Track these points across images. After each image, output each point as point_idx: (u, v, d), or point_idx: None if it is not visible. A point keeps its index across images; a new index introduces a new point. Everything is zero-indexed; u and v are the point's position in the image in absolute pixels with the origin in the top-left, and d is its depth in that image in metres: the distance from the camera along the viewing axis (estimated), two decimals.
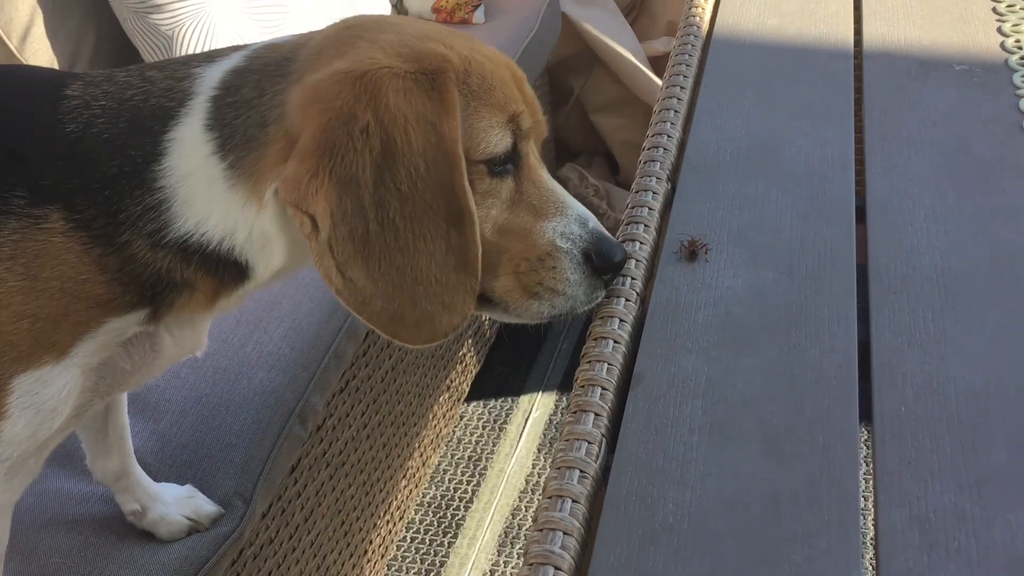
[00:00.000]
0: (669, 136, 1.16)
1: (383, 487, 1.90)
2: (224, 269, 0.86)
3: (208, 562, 1.25)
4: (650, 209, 1.06)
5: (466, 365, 2.25)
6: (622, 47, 2.48)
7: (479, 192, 0.86)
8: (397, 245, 0.80)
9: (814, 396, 0.83)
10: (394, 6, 2.28)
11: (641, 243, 1.02)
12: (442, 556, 2.02)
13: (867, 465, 0.79)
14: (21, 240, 0.81)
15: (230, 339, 1.48)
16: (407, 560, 2.02)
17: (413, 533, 2.07)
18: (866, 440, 0.82)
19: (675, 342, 0.90)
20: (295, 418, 1.45)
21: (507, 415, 2.32)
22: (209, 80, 0.87)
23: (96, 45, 1.92)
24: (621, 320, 0.92)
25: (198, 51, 1.80)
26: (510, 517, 2.08)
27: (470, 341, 2.25)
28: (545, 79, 2.62)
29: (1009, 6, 1.37)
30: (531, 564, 0.71)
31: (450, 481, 2.17)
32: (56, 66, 1.84)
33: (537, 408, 2.32)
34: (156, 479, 1.28)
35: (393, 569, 2.00)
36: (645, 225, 1.04)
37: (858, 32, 1.35)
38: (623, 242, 1.01)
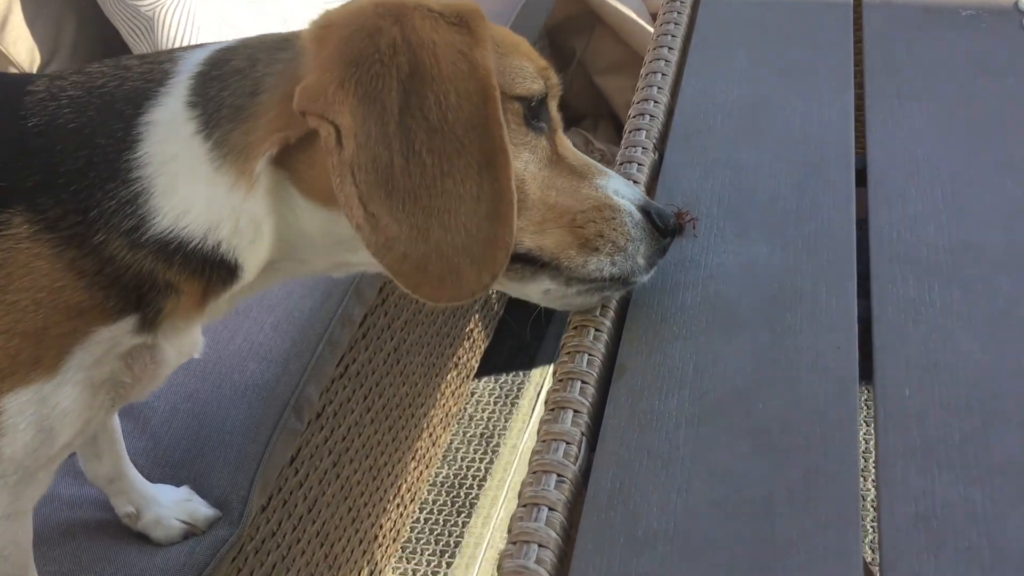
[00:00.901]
0: (656, 102, 1.09)
1: (391, 470, 1.86)
2: (210, 269, 0.79)
3: (207, 567, 1.22)
4: (635, 182, 0.99)
5: (474, 340, 2.20)
6: (623, 5, 2.41)
7: (517, 143, 0.80)
8: (423, 183, 0.72)
9: (810, 382, 0.77)
10: None
11: None
12: (456, 536, 1.99)
13: (865, 461, 0.73)
14: None
15: (219, 331, 1.43)
16: (421, 541, 1.98)
17: (426, 514, 2.03)
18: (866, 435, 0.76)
19: (660, 328, 0.84)
20: (290, 411, 1.40)
21: (519, 390, 2.27)
22: (194, 59, 0.81)
23: (77, 29, 1.88)
24: (603, 306, 0.86)
25: (181, 32, 1.75)
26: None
27: (477, 316, 2.20)
28: (545, 42, 2.55)
29: None
30: None
31: (462, 459, 2.14)
32: (37, 52, 1.80)
33: (549, 381, 2.27)
34: (148, 479, 1.25)
35: (407, 551, 1.97)
36: None
37: None
38: None
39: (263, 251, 0.80)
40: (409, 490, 1.97)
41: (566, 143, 0.86)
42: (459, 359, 2.13)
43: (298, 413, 1.42)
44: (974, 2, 1.17)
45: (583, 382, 0.80)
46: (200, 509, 1.25)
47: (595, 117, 2.68)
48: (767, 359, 0.79)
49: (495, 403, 2.25)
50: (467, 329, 2.15)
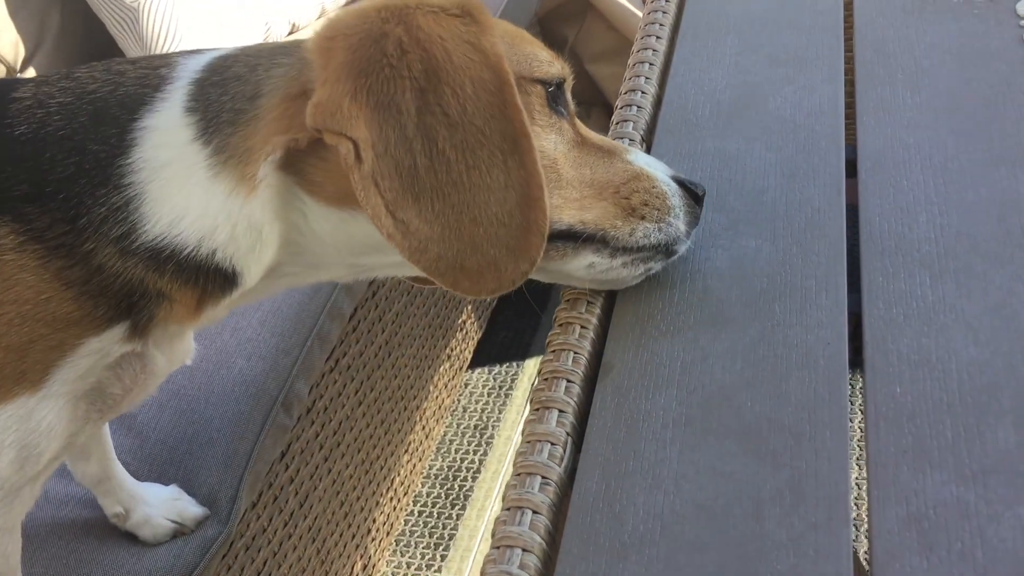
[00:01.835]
0: (644, 92, 1.07)
1: (384, 464, 1.85)
2: (205, 277, 0.77)
3: (196, 567, 1.21)
4: None
5: (467, 332, 2.19)
6: None
7: (544, 124, 0.80)
8: (450, 180, 0.71)
9: (799, 379, 0.75)
10: None
11: None
12: (451, 528, 1.98)
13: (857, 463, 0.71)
14: None
15: (206, 328, 1.42)
16: (415, 534, 1.97)
17: (420, 507, 2.02)
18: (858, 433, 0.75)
19: (647, 324, 0.82)
20: (279, 407, 1.39)
21: (512, 381, 2.26)
22: (192, 65, 0.79)
23: (61, 21, 1.86)
24: (589, 302, 0.85)
25: (166, 24, 1.73)
26: None
27: (470, 307, 2.19)
28: (536, 30, 2.53)
29: None
30: None
31: (456, 451, 2.12)
32: (22, 45, 1.78)
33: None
34: (136, 478, 1.24)
35: (401, 544, 1.96)
36: None
37: None
38: None
39: (265, 257, 0.78)
40: (402, 483, 1.96)
41: (584, 127, 0.86)
42: (452, 351, 2.12)
43: (287, 409, 1.41)
44: None
45: (568, 380, 0.78)
46: (189, 508, 1.24)
47: (587, 105, 2.66)
48: (756, 356, 0.78)
49: (489, 394, 2.24)
50: (460, 320, 2.14)
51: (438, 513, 2.02)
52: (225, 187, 0.74)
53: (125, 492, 1.20)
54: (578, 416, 0.77)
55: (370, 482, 1.80)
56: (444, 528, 1.98)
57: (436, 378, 2.05)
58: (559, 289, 0.88)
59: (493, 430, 2.16)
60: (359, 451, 1.74)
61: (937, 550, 0.64)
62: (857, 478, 1.38)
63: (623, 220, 0.82)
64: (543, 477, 0.71)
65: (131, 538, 1.23)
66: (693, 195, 0.86)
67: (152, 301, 0.77)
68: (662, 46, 1.15)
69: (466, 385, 2.26)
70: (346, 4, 2.07)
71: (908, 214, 0.87)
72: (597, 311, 0.84)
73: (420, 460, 2.04)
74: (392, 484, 1.90)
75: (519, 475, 0.71)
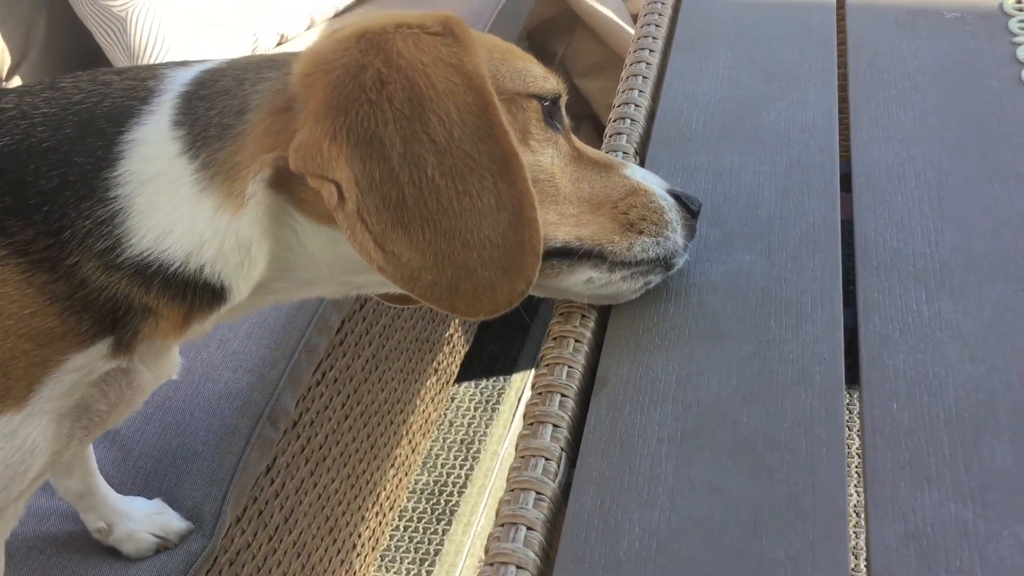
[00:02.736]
0: (637, 105, 1.07)
1: (370, 478, 1.84)
2: (193, 293, 0.75)
3: None
4: None
5: (454, 346, 2.18)
6: (603, 5, 2.39)
7: (540, 139, 0.79)
8: (440, 207, 0.70)
9: (795, 395, 0.74)
10: None
11: None
12: (436, 544, 1.96)
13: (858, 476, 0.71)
14: None
15: (192, 341, 1.40)
16: (400, 549, 1.96)
17: (406, 521, 2.01)
18: (856, 446, 0.74)
19: (642, 338, 0.82)
20: (265, 420, 1.37)
21: (499, 395, 2.25)
22: (180, 78, 0.77)
23: (48, 29, 1.85)
24: (583, 316, 0.84)
25: (153, 32, 1.72)
26: None
27: (457, 321, 2.18)
28: (525, 44, 2.53)
29: None
30: None
31: (442, 466, 2.11)
32: (7, 54, 1.77)
33: (530, 387, 2.24)
34: (120, 491, 1.22)
35: (386, 560, 1.94)
36: None
37: None
38: None
39: (254, 273, 0.76)
40: (388, 498, 1.94)
41: (580, 142, 0.85)
42: (439, 364, 2.10)
43: (274, 422, 1.39)
44: (958, 5, 1.15)
45: (562, 395, 0.77)
46: (172, 522, 1.22)
47: (576, 119, 2.66)
48: (751, 371, 0.77)
49: (475, 409, 2.23)
50: (447, 334, 2.13)
51: (424, 528, 2.00)
52: (212, 203, 0.73)
53: (108, 507, 1.18)
54: (572, 431, 0.76)
55: (356, 496, 1.79)
56: (430, 543, 1.97)
57: (423, 391, 2.04)
58: (549, 301, 0.88)
59: (479, 444, 2.15)
60: (345, 465, 1.72)
61: (936, 568, 0.63)
62: (856, 505, 1.36)
63: (621, 235, 0.81)
64: (537, 493, 0.70)
65: (114, 553, 1.21)
66: (689, 209, 0.85)
67: (137, 316, 0.75)
68: (655, 59, 1.15)
69: (453, 399, 2.24)
70: (334, 16, 2.06)
71: (903, 229, 0.87)
72: (591, 325, 0.84)
73: (406, 474, 2.03)
74: (378, 498, 1.89)
75: (513, 491, 0.70)
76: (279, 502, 1.50)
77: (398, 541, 1.98)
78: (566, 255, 0.80)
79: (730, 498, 0.68)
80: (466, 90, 0.72)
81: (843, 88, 1.07)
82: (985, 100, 1.00)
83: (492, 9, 2.13)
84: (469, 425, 2.19)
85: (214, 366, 1.39)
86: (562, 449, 0.74)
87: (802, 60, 1.11)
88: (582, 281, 0.81)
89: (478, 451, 2.14)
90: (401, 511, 2.02)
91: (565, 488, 0.72)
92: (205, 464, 1.30)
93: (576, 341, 0.82)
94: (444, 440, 2.16)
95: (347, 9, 2.08)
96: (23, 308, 0.72)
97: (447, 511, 2.02)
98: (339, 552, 1.74)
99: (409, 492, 2.06)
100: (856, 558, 1.17)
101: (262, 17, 1.89)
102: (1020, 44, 1.08)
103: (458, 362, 2.22)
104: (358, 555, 1.82)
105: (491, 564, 0.66)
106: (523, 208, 0.72)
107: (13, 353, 0.72)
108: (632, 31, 2.36)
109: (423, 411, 2.06)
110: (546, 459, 0.72)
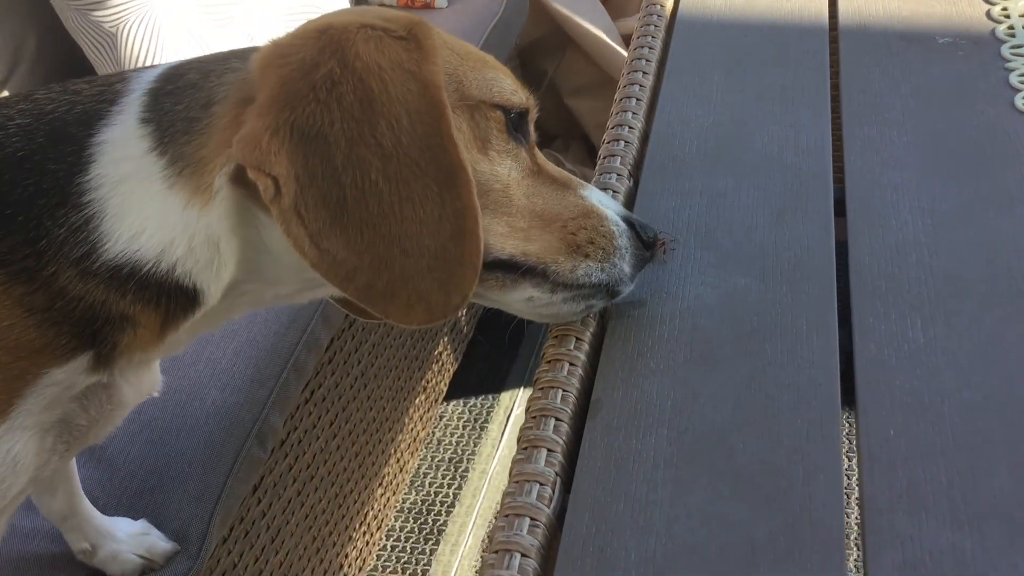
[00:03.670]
0: (631, 127, 1.06)
1: (357, 498, 1.82)
2: (167, 297, 0.74)
3: None
4: None
5: (443, 364, 2.17)
6: (594, 26, 2.39)
7: (497, 150, 0.79)
8: (381, 211, 0.69)
9: (791, 421, 0.74)
10: None
11: None
12: (424, 564, 1.95)
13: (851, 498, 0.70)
14: None
15: (180, 357, 1.39)
16: (387, 570, 1.94)
17: (393, 541, 1.99)
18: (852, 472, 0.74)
19: (637, 362, 0.81)
20: (253, 439, 1.36)
21: (488, 414, 2.24)
22: (146, 77, 0.77)
23: (38, 45, 1.84)
24: (578, 339, 0.83)
25: (144, 48, 1.71)
26: (493, 521, 2.01)
27: (446, 339, 2.17)
28: (516, 63, 2.53)
29: None
30: None
31: (430, 485, 2.10)
32: None
33: (519, 405, 2.24)
34: (104, 512, 1.21)
35: None
36: None
37: (833, 4, 1.25)
38: None
39: (225, 273, 0.76)
40: (375, 517, 1.93)
41: (543, 159, 0.85)
42: (428, 383, 2.09)
43: (261, 441, 1.38)
44: (951, 30, 1.16)
45: (557, 419, 0.77)
46: (158, 543, 1.21)
47: (566, 138, 2.66)
48: (747, 396, 0.77)
49: (464, 427, 2.22)
50: (436, 352, 2.12)
51: (411, 548, 1.99)
52: (181, 198, 0.72)
53: (92, 528, 1.17)
54: (567, 455, 0.75)
55: (343, 517, 1.77)
56: (417, 564, 1.95)
57: (411, 410, 2.03)
58: (536, 325, 0.87)
59: (468, 464, 2.14)
60: (332, 484, 1.71)
61: None
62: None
63: (566, 256, 0.81)
64: (531, 519, 0.69)
65: (99, 574, 1.20)
66: (641, 239, 0.84)
67: (115, 328, 0.75)
68: (648, 82, 1.15)
69: (441, 417, 2.23)
70: None
71: (898, 255, 0.87)
72: (586, 347, 0.83)
73: (394, 494, 2.01)
74: (365, 519, 1.88)
75: (507, 516, 0.70)
76: (266, 522, 1.49)
77: (385, 561, 1.96)
78: (510, 269, 0.80)
79: (727, 526, 0.68)
80: (420, 98, 0.71)
81: (836, 112, 1.07)
82: (979, 126, 1.00)
83: (484, 28, 2.13)
84: (457, 444, 2.18)
85: (202, 385, 1.38)
86: (556, 474, 0.73)
87: (795, 84, 1.11)
88: (523, 299, 0.81)
89: (466, 470, 2.12)
90: (388, 530, 2.01)
91: (560, 514, 0.72)
92: (191, 484, 1.28)
93: (570, 364, 0.81)
94: (432, 459, 2.15)
95: None
96: (2, 320, 0.71)
97: (435, 530, 2.01)
98: (326, 573, 1.73)
99: (396, 511, 2.05)
100: None
101: (256, 27, 1.89)
102: (1013, 70, 1.08)
103: (447, 380, 2.21)
104: (345, 575, 1.81)
105: None
106: (466, 221, 0.72)
107: None
108: (622, 52, 2.36)
109: (411, 430, 2.05)
110: (540, 484, 0.72)
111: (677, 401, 0.77)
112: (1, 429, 0.74)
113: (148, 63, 1.71)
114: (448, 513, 2.04)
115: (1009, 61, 1.10)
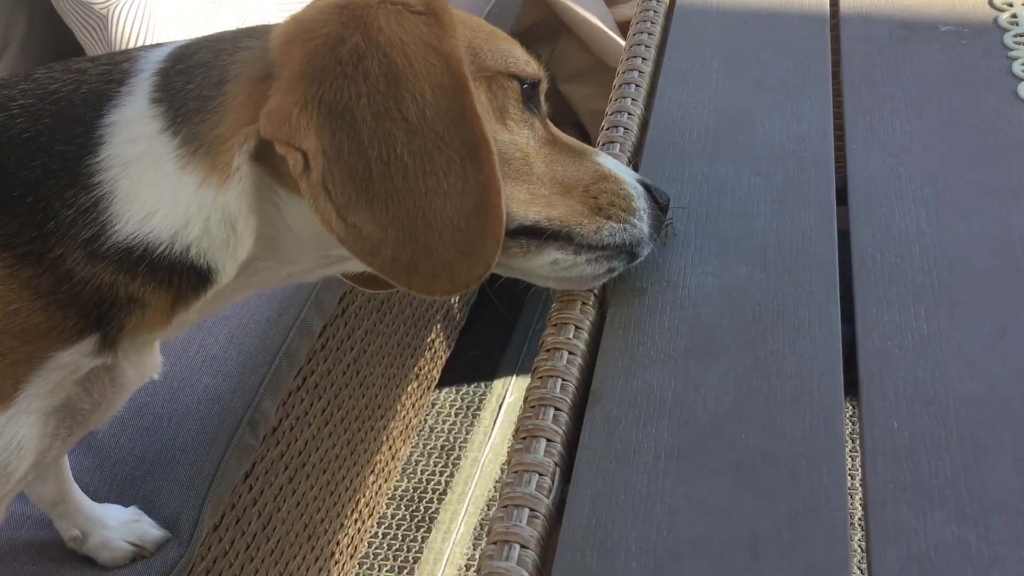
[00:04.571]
0: (630, 114, 1.05)
1: (349, 485, 1.81)
2: (179, 277, 0.74)
3: None
4: None
5: (435, 351, 2.16)
6: (589, 12, 2.38)
7: (515, 119, 0.80)
8: (407, 185, 0.70)
9: (794, 412, 0.73)
10: None
11: None
12: (415, 552, 1.94)
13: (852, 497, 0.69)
14: None
15: (171, 343, 1.38)
16: (379, 557, 1.93)
17: (384, 528, 1.98)
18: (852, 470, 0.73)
19: (637, 351, 0.80)
20: (245, 426, 1.35)
21: (480, 401, 2.23)
22: (155, 56, 0.76)
23: (28, 26, 1.81)
24: (577, 327, 0.82)
25: (135, 30, 1.69)
26: (485, 509, 2.00)
27: (439, 326, 2.16)
28: None
29: None
30: None
31: (422, 472, 2.09)
32: None
33: (512, 392, 2.23)
34: (95, 499, 1.19)
35: (364, 567, 1.92)
36: None
37: None
38: None
39: (241, 251, 0.75)
40: (367, 505, 1.92)
41: (556, 129, 0.86)
42: (420, 370, 2.08)
43: (253, 428, 1.37)
44: (953, 18, 1.15)
45: (556, 408, 0.76)
46: (149, 531, 1.20)
47: (560, 125, 2.64)
48: (749, 386, 0.76)
49: (456, 414, 2.21)
50: (428, 339, 2.11)
51: (402, 536, 1.98)
52: (196, 178, 0.72)
53: (82, 515, 1.16)
54: (566, 446, 0.74)
55: (335, 504, 1.76)
56: (408, 551, 1.95)
57: (404, 397, 2.02)
58: (532, 304, 0.87)
59: (460, 451, 2.13)
60: (324, 471, 1.70)
61: None
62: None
63: (589, 218, 0.82)
64: (531, 510, 0.68)
65: (89, 562, 1.18)
66: (657, 201, 0.86)
67: (122, 310, 0.74)
68: (648, 68, 1.14)
69: (433, 404, 2.22)
70: None
71: (901, 244, 0.86)
72: (585, 336, 0.82)
73: (386, 481, 2.00)
74: (357, 506, 1.87)
75: (506, 507, 0.69)
76: (257, 509, 1.48)
77: (376, 548, 1.95)
78: (534, 235, 0.80)
79: (729, 518, 0.67)
80: (443, 72, 0.71)
81: (837, 100, 1.06)
82: (982, 114, 0.99)
83: (479, 15, 2.12)
84: (450, 431, 2.17)
85: (193, 371, 1.37)
86: (556, 464, 0.72)
87: (796, 71, 1.10)
88: (548, 262, 0.81)
89: (458, 458, 2.12)
90: (380, 518, 2.00)
91: (559, 505, 0.71)
92: (182, 471, 1.27)
93: (570, 353, 0.80)
94: (424, 446, 2.14)
95: None
96: (8, 304, 0.70)
97: (426, 518, 2.00)
98: (317, 560, 1.72)
99: (388, 499, 2.04)
100: None
101: (248, 11, 1.87)
102: (1016, 59, 1.07)
103: (439, 367, 2.20)
104: (336, 562, 1.80)
105: None
106: (488, 194, 0.72)
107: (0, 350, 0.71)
108: (617, 39, 2.35)
109: (404, 417, 2.04)
110: (540, 475, 0.71)
111: (678, 391, 0.76)
112: (7, 414, 0.73)
113: (140, 45, 1.69)
114: (440, 501, 2.03)
115: (1012, 50, 1.09)
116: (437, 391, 2.24)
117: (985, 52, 1.09)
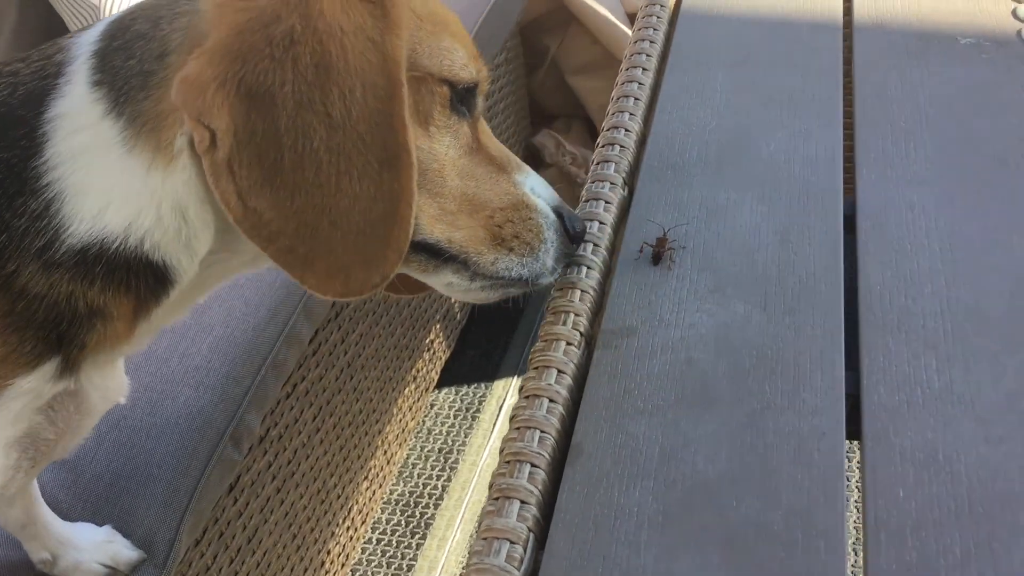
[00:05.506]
0: (627, 130, 0.99)
1: (341, 492, 1.77)
2: (137, 277, 0.70)
3: None
4: (601, 224, 0.89)
5: (435, 352, 2.11)
6: (598, 3, 2.31)
7: (437, 125, 0.76)
8: (318, 180, 0.67)
9: (791, 476, 0.67)
10: None
11: (589, 267, 0.85)
12: (409, 559, 1.90)
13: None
14: None
15: (152, 353, 1.33)
16: (372, 564, 1.89)
17: (379, 534, 1.94)
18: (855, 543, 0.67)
19: (624, 400, 0.74)
20: (227, 440, 1.30)
21: (480, 403, 2.18)
22: (87, 39, 0.71)
23: (19, 18, 1.77)
24: (559, 371, 0.76)
25: None
26: (482, 515, 1.95)
27: (439, 326, 2.10)
28: (517, 40, 2.44)
29: None
30: None
31: (419, 476, 2.04)
32: None
33: (512, 394, 2.17)
34: (68, 517, 1.15)
35: (357, 575, 1.87)
36: (594, 244, 0.87)
37: (847, 0, 1.16)
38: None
39: (198, 244, 0.71)
40: (361, 511, 1.87)
41: (487, 132, 0.82)
42: (418, 372, 2.03)
43: (236, 442, 1.32)
44: (973, 30, 1.08)
45: (533, 465, 0.70)
46: (123, 551, 1.16)
47: (568, 118, 2.58)
48: (743, 445, 0.70)
49: (455, 416, 2.16)
50: (427, 340, 2.05)
51: (397, 542, 1.93)
52: (143, 160, 0.68)
53: (52, 536, 1.12)
54: (541, 507, 0.69)
55: (326, 512, 1.72)
56: (403, 558, 1.90)
57: (400, 400, 1.97)
58: (535, 304, 0.82)
59: (458, 454, 2.08)
60: (315, 480, 1.65)
61: None
62: None
63: (489, 247, 0.79)
64: None
65: None
66: (571, 232, 0.83)
67: (83, 326, 0.70)
68: (648, 79, 1.07)
69: (432, 406, 2.17)
70: None
71: (912, 284, 0.80)
72: (568, 381, 0.76)
73: (380, 486, 1.96)
74: (349, 512, 1.82)
75: None
76: (242, 522, 1.43)
77: (370, 555, 1.91)
78: (434, 254, 0.78)
79: None
80: (378, 71, 0.68)
81: (848, 119, 0.99)
82: (1004, 138, 0.93)
83: (485, 4, 2.05)
84: (448, 434, 2.12)
85: (174, 383, 1.32)
86: (529, 530, 0.66)
87: (805, 86, 1.03)
88: (444, 283, 0.81)
89: (456, 461, 2.07)
90: (374, 523, 1.95)
91: (532, 574, 0.65)
92: (160, 488, 1.23)
93: (550, 401, 0.74)
94: (422, 449, 2.10)
95: None
96: None
97: (422, 524, 1.96)
98: (306, 571, 1.68)
99: (383, 503, 1.99)
100: None
101: None
102: None
103: (438, 369, 2.15)
104: (327, 572, 1.75)
105: None
106: (399, 205, 0.69)
107: None
108: (627, 30, 2.28)
109: (400, 420, 1.99)
110: (511, 542, 0.65)
111: (665, 448, 0.70)
112: None
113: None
114: (436, 506, 1.99)
115: None
116: (436, 392, 2.19)
117: (1008, 68, 1.02)
